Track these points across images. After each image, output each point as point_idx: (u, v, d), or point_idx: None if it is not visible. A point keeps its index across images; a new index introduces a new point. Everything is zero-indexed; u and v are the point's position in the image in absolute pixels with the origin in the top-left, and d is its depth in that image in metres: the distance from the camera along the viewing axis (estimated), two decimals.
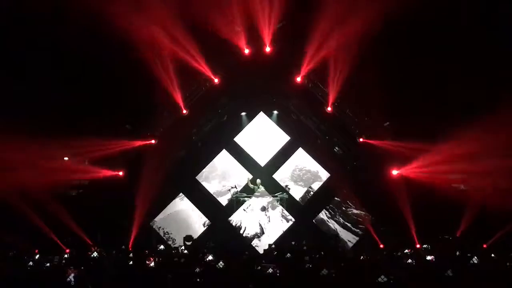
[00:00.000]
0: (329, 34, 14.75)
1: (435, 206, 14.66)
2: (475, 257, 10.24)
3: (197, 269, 9.63)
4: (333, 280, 10.11)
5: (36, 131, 13.48)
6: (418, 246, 14.08)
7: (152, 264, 9.96)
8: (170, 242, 16.37)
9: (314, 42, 15.11)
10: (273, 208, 16.81)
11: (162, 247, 15.16)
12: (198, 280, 9.34)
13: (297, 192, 17.03)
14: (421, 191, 14.92)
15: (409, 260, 11.29)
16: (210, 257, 10.78)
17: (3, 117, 13.09)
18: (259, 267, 10.80)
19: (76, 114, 15.32)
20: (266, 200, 16.80)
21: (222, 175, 17.25)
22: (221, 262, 9.28)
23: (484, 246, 13.39)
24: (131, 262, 11.60)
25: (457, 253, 11.55)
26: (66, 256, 11.99)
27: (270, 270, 9.94)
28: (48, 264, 10.85)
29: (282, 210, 16.72)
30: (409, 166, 15.40)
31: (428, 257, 11.57)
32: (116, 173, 15.72)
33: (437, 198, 14.71)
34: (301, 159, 17.23)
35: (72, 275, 8.12)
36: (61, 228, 14.02)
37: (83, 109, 15.33)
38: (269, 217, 16.76)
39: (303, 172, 17.20)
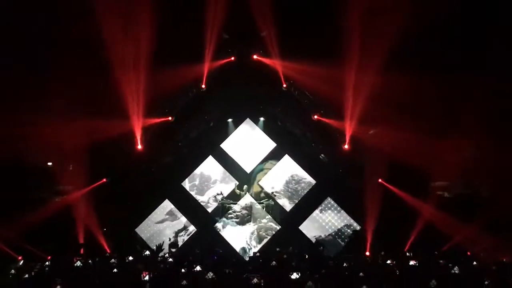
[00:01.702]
0: (316, 42, 14.85)
1: (419, 213, 14.86)
2: (456, 267, 10.35)
3: (184, 282, 9.58)
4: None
5: None
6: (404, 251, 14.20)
7: (147, 278, 9.87)
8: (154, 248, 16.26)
9: (299, 50, 15.23)
10: (260, 214, 16.84)
11: (147, 252, 15.04)
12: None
13: (283, 199, 17.07)
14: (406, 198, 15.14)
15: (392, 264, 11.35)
16: (198, 268, 10.72)
17: None
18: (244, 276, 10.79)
19: None
20: (252, 206, 16.81)
21: (208, 181, 17.22)
22: (210, 274, 9.25)
23: (468, 253, 13.55)
24: (115, 270, 11.50)
25: (441, 261, 11.65)
26: (47, 263, 11.83)
27: (255, 280, 9.92)
28: (32, 273, 10.71)
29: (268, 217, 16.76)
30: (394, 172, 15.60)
31: (411, 262, 11.68)
32: (101, 180, 15.58)
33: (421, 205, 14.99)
34: (288, 166, 17.27)
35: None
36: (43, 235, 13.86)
37: None
38: (255, 223, 16.77)
39: (289, 179, 17.24)
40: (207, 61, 15.76)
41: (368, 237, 15.56)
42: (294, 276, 10.70)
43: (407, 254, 13.19)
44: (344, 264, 12.04)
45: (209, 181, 17.23)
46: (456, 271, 10.18)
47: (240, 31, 16.15)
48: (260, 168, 17.24)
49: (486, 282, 9.68)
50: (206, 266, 11.32)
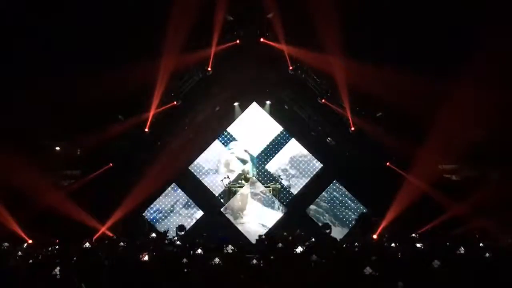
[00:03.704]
0: (323, 25, 14.65)
1: (427, 196, 14.76)
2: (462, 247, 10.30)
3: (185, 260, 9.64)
4: (323, 268, 10.13)
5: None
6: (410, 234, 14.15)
7: (146, 258, 9.93)
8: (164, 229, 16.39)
9: (307, 32, 15.06)
10: (266, 197, 16.87)
11: (154, 235, 15.14)
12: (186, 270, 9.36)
13: (289, 182, 17.07)
14: (413, 182, 15.04)
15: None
16: (199, 250, 10.78)
17: None
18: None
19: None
20: (259, 190, 16.83)
21: (214, 165, 17.26)
22: (216, 259, 9.30)
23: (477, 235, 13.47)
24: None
25: (447, 243, 11.61)
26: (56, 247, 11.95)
27: (254, 261, 9.95)
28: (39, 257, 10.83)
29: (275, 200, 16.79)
30: (401, 156, 15.51)
31: (418, 245, 11.65)
32: (108, 164, 15.66)
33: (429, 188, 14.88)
34: (294, 149, 17.23)
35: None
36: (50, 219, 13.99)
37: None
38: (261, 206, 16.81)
39: (296, 162, 17.22)
40: (213, 44, 15.68)
41: (374, 220, 15.54)
42: (299, 249, 10.71)
43: (414, 236, 13.09)
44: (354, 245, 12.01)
45: (215, 165, 17.25)
46: (462, 251, 10.12)
47: (245, 13, 16.00)
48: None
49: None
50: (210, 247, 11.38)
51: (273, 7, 14.95)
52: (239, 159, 17.24)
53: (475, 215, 13.62)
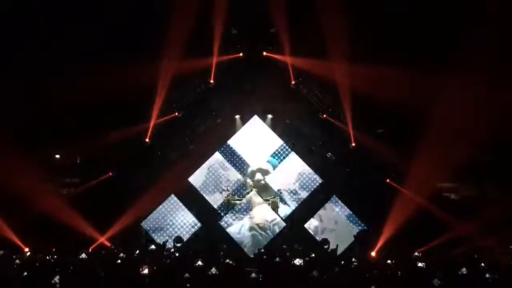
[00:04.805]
0: (325, 40, 14.75)
1: (426, 214, 14.73)
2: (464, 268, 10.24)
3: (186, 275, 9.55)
4: (324, 284, 10.08)
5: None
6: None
7: (146, 271, 9.82)
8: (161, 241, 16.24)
9: (309, 47, 15.17)
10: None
11: (153, 246, 15.04)
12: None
13: (288, 197, 17.02)
14: (413, 199, 15.02)
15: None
16: (199, 262, 10.68)
17: None
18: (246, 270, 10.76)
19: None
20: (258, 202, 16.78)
21: (214, 177, 17.19)
22: (213, 269, 9.22)
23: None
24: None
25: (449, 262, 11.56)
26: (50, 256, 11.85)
27: (253, 275, 9.89)
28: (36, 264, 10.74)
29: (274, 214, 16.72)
30: (401, 174, 15.52)
31: (420, 264, 11.57)
32: (107, 173, 15.61)
33: (428, 206, 14.87)
34: (294, 163, 17.21)
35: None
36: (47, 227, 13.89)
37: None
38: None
39: (295, 177, 17.18)
40: (216, 57, 15.77)
41: (374, 237, 15.48)
42: (298, 261, 10.61)
43: (416, 254, 13.02)
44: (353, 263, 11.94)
45: (215, 177, 17.19)
46: (464, 272, 10.06)
47: (249, 26, 16.12)
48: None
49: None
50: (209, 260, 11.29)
51: (277, 20, 15.04)
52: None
53: (475, 234, 13.59)
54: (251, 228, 16.50)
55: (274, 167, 17.16)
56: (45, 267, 10.84)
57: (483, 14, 13.06)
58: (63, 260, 11.14)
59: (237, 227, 16.61)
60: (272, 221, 16.51)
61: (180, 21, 14.51)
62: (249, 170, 17.13)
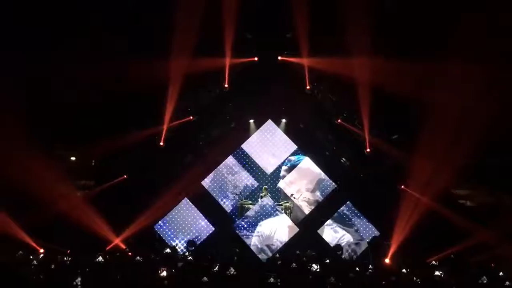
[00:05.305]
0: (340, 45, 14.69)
1: (442, 221, 14.60)
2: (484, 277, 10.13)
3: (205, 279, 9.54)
4: None
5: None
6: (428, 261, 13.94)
7: (164, 273, 9.83)
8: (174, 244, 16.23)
9: (325, 52, 15.13)
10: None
11: (168, 250, 15.04)
12: None
13: (301, 201, 16.96)
14: (427, 206, 14.90)
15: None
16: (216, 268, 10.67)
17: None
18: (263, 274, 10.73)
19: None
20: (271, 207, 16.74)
21: (227, 181, 17.18)
22: (231, 269, 9.20)
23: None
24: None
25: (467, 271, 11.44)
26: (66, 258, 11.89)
27: (272, 280, 9.85)
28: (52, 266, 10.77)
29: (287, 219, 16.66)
30: (415, 180, 15.39)
31: (437, 273, 11.46)
32: (122, 176, 15.65)
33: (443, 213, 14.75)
34: (308, 168, 17.16)
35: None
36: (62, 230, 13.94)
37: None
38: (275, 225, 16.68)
39: (309, 181, 17.12)
40: (230, 61, 15.78)
41: (387, 244, 15.37)
42: (314, 267, 10.56)
43: (433, 263, 12.90)
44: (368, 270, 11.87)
45: (228, 181, 17.18)
46: (484, 281, 9.95)
47: (264, 31, 16.11)
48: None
49: None
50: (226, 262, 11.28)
51: (293, 24, 15.01)
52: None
53: (492, 243, 13.44)
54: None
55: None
56: (61, 268, 10.88)
57: None
58: (80, 262, 11.15)
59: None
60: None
61: (195, 25, 14.52)
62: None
